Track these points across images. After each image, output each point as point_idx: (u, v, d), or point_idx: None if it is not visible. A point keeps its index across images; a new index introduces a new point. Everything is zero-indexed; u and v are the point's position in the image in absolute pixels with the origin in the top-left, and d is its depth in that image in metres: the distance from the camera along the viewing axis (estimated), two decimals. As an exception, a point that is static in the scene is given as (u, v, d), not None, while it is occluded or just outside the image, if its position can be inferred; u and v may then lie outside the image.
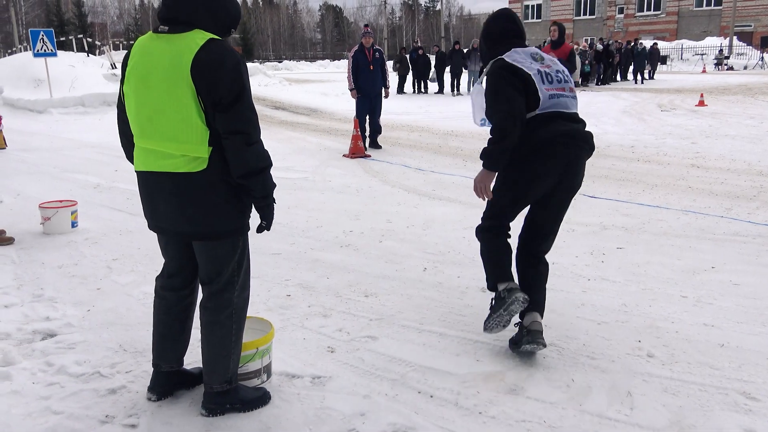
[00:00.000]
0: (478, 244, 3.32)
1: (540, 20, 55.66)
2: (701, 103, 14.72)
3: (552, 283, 4.07)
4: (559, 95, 2.99)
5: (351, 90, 9.67)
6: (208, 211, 2.41)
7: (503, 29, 3.15)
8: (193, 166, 2.34)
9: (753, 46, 39.65)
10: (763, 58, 35.27)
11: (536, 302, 3.13)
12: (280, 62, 46.80)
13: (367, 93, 9.55)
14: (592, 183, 7.04)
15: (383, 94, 9.77)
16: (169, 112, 2.31)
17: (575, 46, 22.36)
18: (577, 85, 21.41)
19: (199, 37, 2.28)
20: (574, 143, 2.98)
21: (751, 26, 44.25)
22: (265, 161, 2.39)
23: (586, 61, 22.28)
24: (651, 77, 24.99)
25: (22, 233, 5.30)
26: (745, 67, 34.60)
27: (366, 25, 10.51)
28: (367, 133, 9.67)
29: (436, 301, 3.82)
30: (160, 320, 2.69)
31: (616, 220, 5.60)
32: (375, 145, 9.70)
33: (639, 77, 23.75)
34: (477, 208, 6.04)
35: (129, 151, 2.62)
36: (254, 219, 2.51)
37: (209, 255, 2.54)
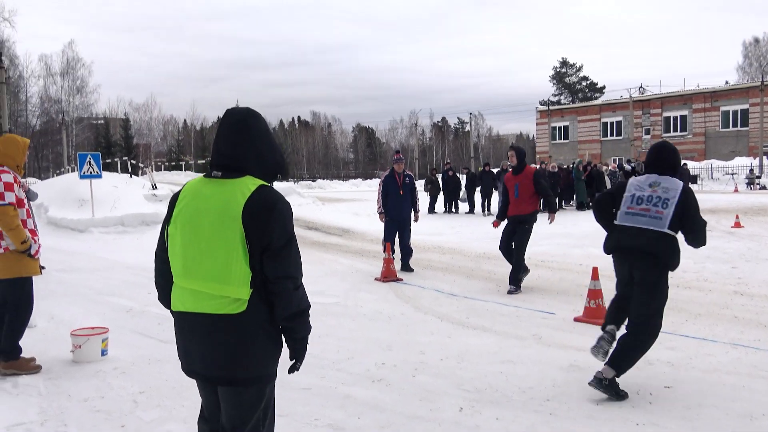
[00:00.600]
0: (516, 380, 4.37)
1: (567, 141, 56.99)
2: (737, 225, 14.52)
3: (597, 427, 3.84)
4: (635, 214, 4.37)
5: (380, 213, 9.85)
6: (242, 354, 2.39)
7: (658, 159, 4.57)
8: (233, 307, 2.36)
9: (784, 166, 39.67)
10: (795, 177, 35.14)
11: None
12: (314, 181, 48.25)
13: (395, 217, 9.70)
14: (632, 311, 6.82)
15: (412, 218, 9.87)
16: (215, 254, 2.36)
17: (603, 167, 22.64)
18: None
19: (251, 183, 2.41)
20: (626, 255, 4.48)
21: (780, 146, 44.49)
22: (307, 302, 2.47)
23: (616, 182, 22.43)
24: (683, 197, 24.94)
25: (51, 361, 5.25)
26: (778, 187, 34.42)
27: (397, 152, 10.85)
28: (396, 255, 9.66)
29: (474, 447, 3.59)
30: None
31: (660, 354, 5.33)
32: (407, 268, 9.67)
33: (670, 197, 23.70)
34: (513, 339, 5.87)
35: (165, 292, 2.63)
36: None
37: (235, 401, 2.47)
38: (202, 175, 2.59)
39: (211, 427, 2.63)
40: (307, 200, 22.87)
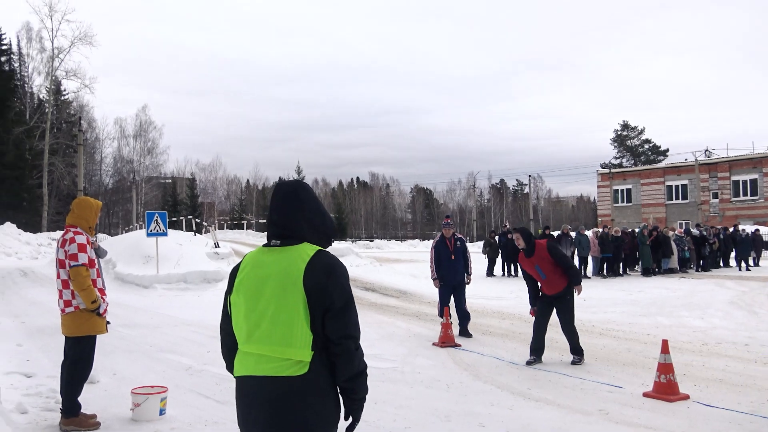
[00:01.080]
0: None
1: (630, 204, 55.71)
2: (818, 296, 13.69)
3: None
4: None
5: (434, 280, 9.81)
6: (303, 417, 2.40)
7: None
8: (294, 369, 2.40)
9: None
10: None
11: None
12: (371, 241, 48.52)
13: (449, 282, 9.66)
14: (706, 387, 6.43)
15: (466, 281, 9.78)
16: (278, 318, 2.42)
17: (670, 232, 21.92)
18: (675, 271, 20.67)
19: (309, 249, 2.50)
20: None
21: None
22: (365, 362, 2.53)
23: (685, 248, 21.64)
24: (756, 264, 23.83)
25: (111, 418, 5.30)
26: None
27: (447, 216, 10.88)
28: (453, 320, 9.47)
29: None
30: None
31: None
32: (465, 333, 9.47)
33: (743, 264, 22.68)
34: (578, 413, 5.59)
35: (230, 361, 2.66)
36: None
37: None
38: (261, 245, 2.68)
39: None
40: (364, 260, 22.93)
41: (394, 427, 5.19)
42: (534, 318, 7.81)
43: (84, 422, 5.05)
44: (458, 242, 9.80)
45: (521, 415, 5.56)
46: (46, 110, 46.83)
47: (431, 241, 10.57)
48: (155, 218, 16.51)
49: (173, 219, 33.81)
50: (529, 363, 7.57)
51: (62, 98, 50.32)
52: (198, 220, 36.01)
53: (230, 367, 2.67)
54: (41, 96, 49.81)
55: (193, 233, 24.41)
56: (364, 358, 2.53)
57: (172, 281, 15.85)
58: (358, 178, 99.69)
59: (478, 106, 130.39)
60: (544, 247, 7.60)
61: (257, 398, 2.45)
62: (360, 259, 23.35)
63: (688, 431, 5.09)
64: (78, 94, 49.67)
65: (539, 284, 7.77)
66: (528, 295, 8.02)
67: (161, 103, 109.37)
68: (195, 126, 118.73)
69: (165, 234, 16.78)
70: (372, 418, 5.29)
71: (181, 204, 67.80)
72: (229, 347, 2.65)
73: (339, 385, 2.48)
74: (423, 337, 9.50)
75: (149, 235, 16.53)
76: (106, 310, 5.21)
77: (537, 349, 7.68)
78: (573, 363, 7.56)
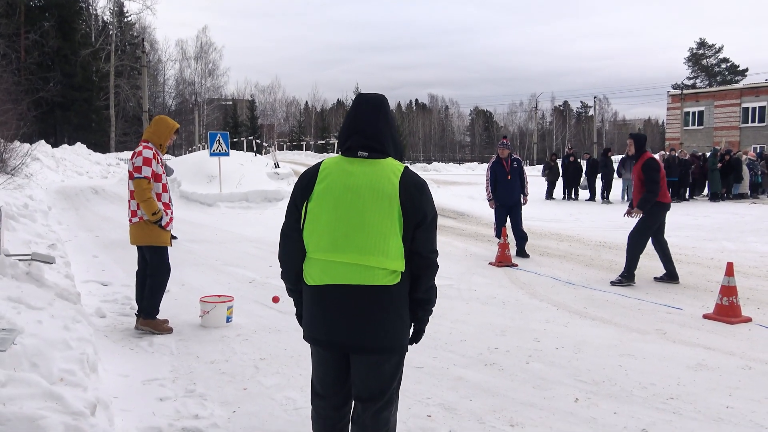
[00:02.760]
0: (637, 375, 4.27)
1: (702, 127, 53.25)
2: None
3: (727, 430, 3.59)
4: None
5: (489, 200, 9.82)
6: (391, 324, 2.52)
7: None
8: (390, 279, 2.49)
9: None
10: None
11: None
12: (429, 163, 48.24)
13: (505, 202, 9.68)
14: (771, 312, 6.29)
15: (522, 202, 9.75)
16: (371, 228, 2.47)
17: (743, 156, 20.94)
18: (745, 196, 19.88)
19: (397, 164, 2.57)
20: None
21: None
22: None
23: (758, 172, 20.69)
24: (834, 190, 22.61)
25: (182, 324, 5.63)
26: None
27: (504, 137, 10.72)
28: (511, 240, 9.45)
29: (590, 440, 3.46)
30: None
31: (803, 360, 4.89)
32: (522, 253, 9.47)
33: (819, 190, 21.57)
34: (634, 332, 5.59)
35: (292, 269, 2.66)
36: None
37: (377, 372, 2.57)
38: (338, 155, 2.67)
39: (331, 402, 2.69)
40: (422, 182, 22.92)
41: (450, 339, 5.33)
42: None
43: (159, 325, 5.39)
44: (515, 162, 9.72)
45: (576, 332, 5.61)
46: (111, 32, 47.64)
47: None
48: (218, 139, 16.84)
49: (234, 140, 34.37)
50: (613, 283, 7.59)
51: (125, 20, 50.95)
52: (258, 141, 36.53)
53: (289, 273, 2.67)
54: (105, 18, 50.57)
55: (254, 154, 24.84)
56: None
57: (235, 200, 16.30)
58: (416, 99, 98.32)
59: (542, 24, 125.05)
60: (643, 162, 7.53)
61: (347, 305, 2.49)
62: (418, 180, 23.34)
63: (749, 353, 5.04)
64: (140, 16, 50.29)
65: None
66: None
67: (220, 26, 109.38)
68: (254, 48, 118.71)
69: (227, 154, 17.14)
70: (429, 331, 5.38)
71: (242, 125, 68.66)
72: (293, 254, 2.62)
73: (418, 297, 2.60)
74: (480, 257, 9.56)
75: (212, 155, 16.92)
76: (168, 224, 5.43)
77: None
78: (612, 283, 7.55)
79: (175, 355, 4.84)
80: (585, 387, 4.26)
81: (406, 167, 2.57)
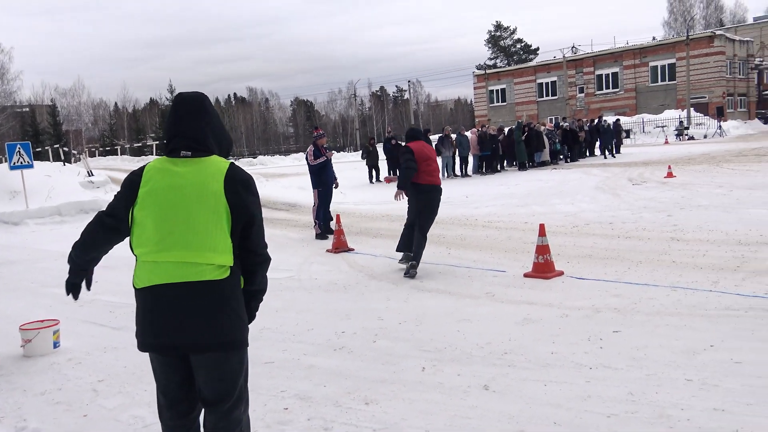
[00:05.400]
0: (474, 337, 4.53)
1: (505, 103, 57.72)
2: (670, 175, 15.13)
3: (555, 374, 4.01)
4: None
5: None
6: (225, 318, 2.48)
7: None
8: (217, 273, 2.46)
9: (709, 116, 41.39)
10: (720, 127, 36.78)
11: None
12: (254, 158, 47.42)
13: (331, 186, 10.69)
14: (578, 263, 7.08)
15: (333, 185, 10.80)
16: (197, 226, 2.44)
17: (541, 127, 23.10)
18: (547, 163, 22.01)
19: (222, 161, 2.56)
20: None
21: (705, 98, 46.34)
22: None
23: (556, 141, 22.94)
24: (617, 151, 25.75)
25: (1, 358, 5.10)
26: (705, 136, 35.98)
27: (316, 128, 11.55)
28: (318, 221, 10.40)
29: (440, 404, 3.70)
30: None
31: (607, 302, 5.58)
32: (330, 231, 10.15)
33: (606, 152, 24.46)
34: (467, 298, 6.02)
35: (89, 249, 2.70)
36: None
37: (220, 371, 2.52)
38: (161, 157, 2.62)
39: (178, 410, 2.61)
40: (250, 177, 22.55)
41: (298, 330, 5.36)
42: None
43: (-29, 364, 4.82)
44: (328, 150, 10.70)
45: (416, 305, 5.92)
46: None
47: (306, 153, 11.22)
48: (17, 150, 15.20)
49: (37, 150, 31.30)
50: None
51: None
52: (66, 149, 33.61)
53: (81, 252, 2.69)
54: None
55: (62, 163, 22.83)
56: None
57: (45, 215, 14.89)
58: (235, 93, 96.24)
59: (342, 14, 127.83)
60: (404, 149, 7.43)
61: (177, 305, 2.43)
62: (245, 176, 22.92)
63: (564, 302, 5.65)
64: None
65: None
66: None
67: (6, 25, 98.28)
68: (49, 48, 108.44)
69: (31, 166, 15.54)
70: (275, 325, 5.42)
71: (44, 133, 62.54)
72: (96, 235, 2.63)
73: (253, 289, 2.64)
74: (317, 246, 9.67)
75: (12, 168, 15.24)
76: None
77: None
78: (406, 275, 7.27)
79: (-3, 393, 4.37)
80: (429, 355, 4.52)
81: (232, 164, 2.57)
